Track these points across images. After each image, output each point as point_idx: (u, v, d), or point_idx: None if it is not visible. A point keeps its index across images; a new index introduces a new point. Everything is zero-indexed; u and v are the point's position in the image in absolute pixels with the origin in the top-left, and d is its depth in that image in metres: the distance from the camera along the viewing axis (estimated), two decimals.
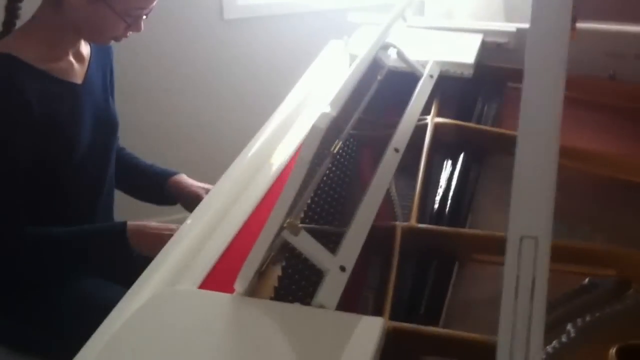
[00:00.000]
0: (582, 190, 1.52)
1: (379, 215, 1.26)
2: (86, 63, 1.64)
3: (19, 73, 1.47)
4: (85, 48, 1.64)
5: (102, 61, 1.71)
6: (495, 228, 1.40)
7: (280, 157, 1.45)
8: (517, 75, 1.82)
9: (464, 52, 1.83)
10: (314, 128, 0.97)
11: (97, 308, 1.57)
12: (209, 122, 2.94)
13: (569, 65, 1.85)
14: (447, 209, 1.41)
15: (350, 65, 1.76)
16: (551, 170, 0.72)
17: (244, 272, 1.03)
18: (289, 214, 1.05)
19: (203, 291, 1.05)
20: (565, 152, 1.52)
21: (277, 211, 1.03)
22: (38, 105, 1.48)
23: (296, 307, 1.03)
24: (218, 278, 1.11)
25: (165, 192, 1.84)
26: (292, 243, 1.07)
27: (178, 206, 1.86)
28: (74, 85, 1.58)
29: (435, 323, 1.16)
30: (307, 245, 1.08)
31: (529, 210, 0.72)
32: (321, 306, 1.02)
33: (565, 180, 1.51)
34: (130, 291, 1.11)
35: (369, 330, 0.97)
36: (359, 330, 0.98)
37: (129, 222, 1.56)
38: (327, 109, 1.02)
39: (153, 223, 1.57)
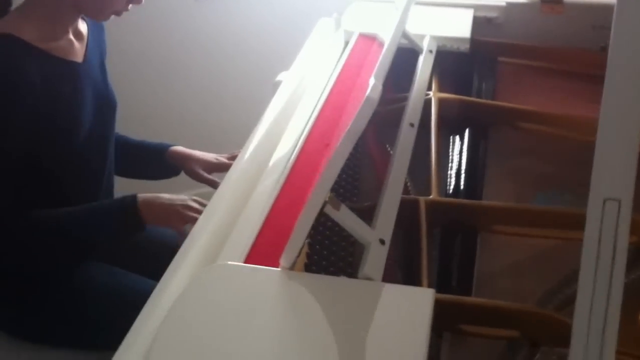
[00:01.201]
0: (582, 159, 1.55)
1: None
2: (85, 40, 1.60)
3: (20, 54, 1.43)
4: (82, 25, 1.61)
5: (98, 39, 1.67)
6: (506, 200, 1.42)
7: (295, 132, 1.44)
8: (508, 49, 1.87)
9: (458, 26, 1.84)
10: (367, 99, 0.97)
11: (110, 294, 1.57)
12: (186, 108, 2.89)
13: (559, 39, 1.89)
14: (463, 183, 1.42)
15: (349, 41, 1.78)
16: (635, 130, 0.72)
17: (291, 246, 1.03)
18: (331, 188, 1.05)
19: (252, 266, 1.05)
20: (563, 122, 1.56)
21: (322, 185, 1.03)
22: (40, 87, 1.44)
23: (345, 280, 1.04)
24: (259, 254, 1.10)
25: (165, 163, 1.82)
26: (334, 218, 1.07)
27: (180, 185, 1.84)
28: (75, 64, 1.55)
29: (468, 294, 1.18)
30: (348, 219, 1.08)
31: (613, 172, 0.73)
32: (368, 278, 1.02)
33: (564, 150, 1.55)
34: (170, 269, 1.10)
35: (422, 301, 0.98)
36: (412, 302, 0.99)
37: (139, 195, 1.52)
38: (374, 81, 1.02)
39: (164, 195, 1.54)
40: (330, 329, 0.94)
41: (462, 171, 1.46)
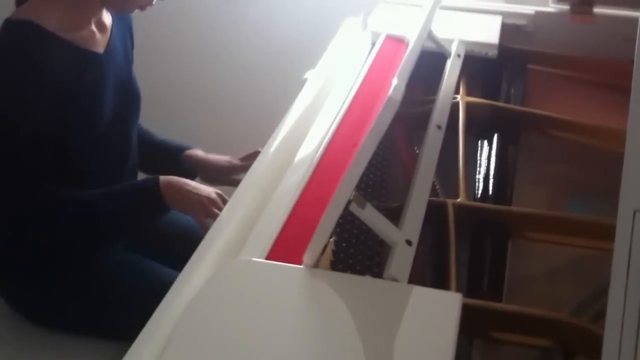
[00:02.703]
0: (615, 168, 1.53)
1: None
2: (108, 32, 1.58)
3: (40, 41, 1.41)
4: (107, 16, 1.59)
5: (123, 30, 1.65)
6: (538, 206, 1.40)
7: (321, 131, 1.42)
8: (537, 57, 1.85)
9: (486, 32, 1.82)
10: (390, 99, 0.95)
11: (127, 281, 1.55)
12: (211, 103, 2.86)
13: (590, 50, 1.87)
14: (492, 188, 1.40)
15: (376, 42, 1.76)
16: None
17: (314, 244, 1.01)
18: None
19: (274, 263, 1.02)
20: (593, 132, 1.54)
21: (346, 183, 1.01)
22: (61, 74, 1.43)
23: (370, 279, 1.01)
24: (281, 250, 1.08)
25: (181, 165, 1.78)
26: (359, 216, 1.05)
27: None
28: (96, 54, 1.53)
29: (499, 300, 1.16)
30: (374, 218, 1.06)
31: None
32: (393, 279, 1.00)
33: (597, 158, 1.53)
34: (191, 261, 1.08)
35: (449, 305, 0.96)
36: (439, 306, 0.96)
37: (161, 177, 1.52)
38: (397, 81, 1.00)
39: (191, 182, 1.54)
40: (352, 330, 0.91)
41: (491, 176, 1.43)
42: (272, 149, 1.38)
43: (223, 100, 2.87)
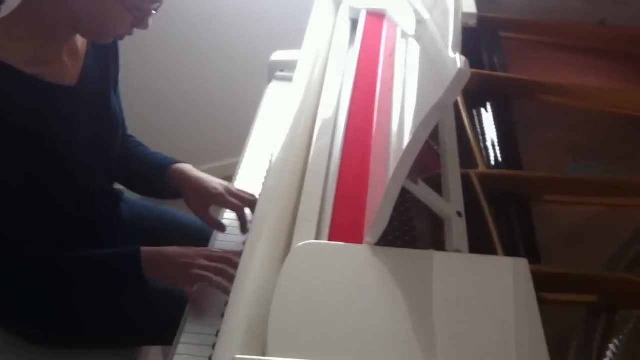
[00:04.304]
0: (606, 129, 1.59)
1: (429, 166, 1.26)
2: (81, 59, 1.44)
3: (4, 80, 1.28)
4: (80, 41, 1.45)
5: (102, 53, 1.51)
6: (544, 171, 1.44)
7: (329, 111, 1.42)
8: (509, 24, 1.88)
9: (464, 2, 1.84)
10: (459, 73, 0.96)
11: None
12: (183, 92, 2.80)
13: (556, 13, 1.91)
14: (500, 156, 1.43)
15: (357, 19, 1.76)
16: None
17: (377, 223, 1.02)
18: None
19: (342, 244, 1.03)
20: (581, 94, 1.59)
21: (404, 160, 1.01)
22: (26, 114, 1.30)
23: (435, 253, 1.03)
24: (339, 232, 1.08)
25: (166, 181, 1.62)
26: (413, 192, 1.06)
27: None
28: (66, 88, 1.39)
29: (537, 263, 1.19)
30: (427, 194, 1.08)
31: None
32: (457, 251, 1.02)
33: (586, 120, 1.58)
34: (245, 254, 1.08)
35: (519, 271, 0.98)
36: (508, 272, 0.99)
37: (143, 248, 1.40)
38: (456, 54, 1.01)
39: (169, 249, 1.41)
40: (436, 302, 0.94)
41: (496, 143, 1.46)
42: (286, 137, 1.36)
43: (200, 91, 2.82)
